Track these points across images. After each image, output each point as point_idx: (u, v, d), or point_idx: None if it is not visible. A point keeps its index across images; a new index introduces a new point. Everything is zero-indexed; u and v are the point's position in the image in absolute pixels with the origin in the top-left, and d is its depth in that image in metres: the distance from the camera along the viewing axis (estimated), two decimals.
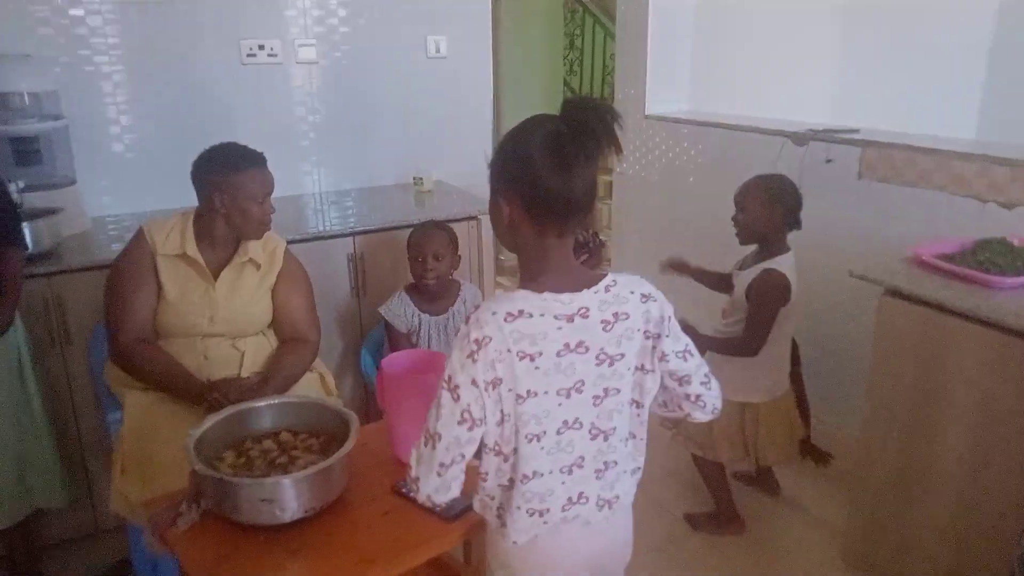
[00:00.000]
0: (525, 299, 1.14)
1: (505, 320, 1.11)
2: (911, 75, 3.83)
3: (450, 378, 1.13)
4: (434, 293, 2.53)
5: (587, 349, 1.17)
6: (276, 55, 2.95)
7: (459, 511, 1.44)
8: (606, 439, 1.23)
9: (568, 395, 1.17)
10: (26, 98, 2.43)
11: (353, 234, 2.68)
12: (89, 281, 2.28)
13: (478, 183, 3.49)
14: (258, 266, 2.09)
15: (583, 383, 1.18)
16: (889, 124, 3.05)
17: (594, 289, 1.18)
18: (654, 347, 1.23)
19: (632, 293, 1.21)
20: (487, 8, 3.33)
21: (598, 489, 1.26)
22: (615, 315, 1.18)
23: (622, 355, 1.20)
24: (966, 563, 1.95)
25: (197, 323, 2.01)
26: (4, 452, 2.05)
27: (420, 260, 2.47)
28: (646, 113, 3.74)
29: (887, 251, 2.45)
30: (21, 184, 2.36)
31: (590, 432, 1.22)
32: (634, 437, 1.29)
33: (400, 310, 2.53)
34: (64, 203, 2.45)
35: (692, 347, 1.29)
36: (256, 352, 2.08)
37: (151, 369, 1.96)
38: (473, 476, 1.23)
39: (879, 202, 2.72)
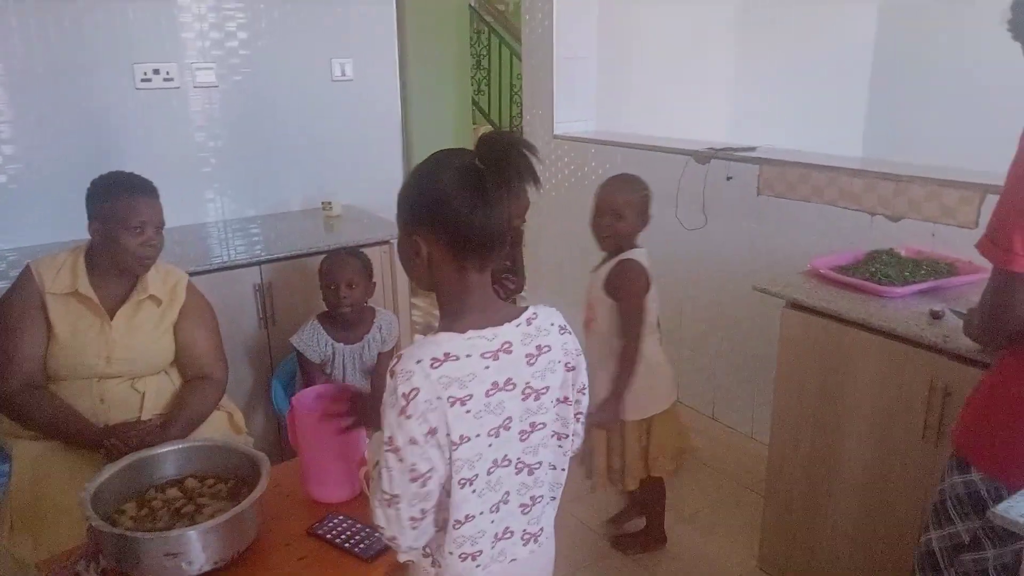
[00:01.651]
0: (449, 341, 1.11)
1: (432, 367, 1.08)
2: (801, 95, 4.04)
3: (391, 439, 1.09)
4: (348, 321, 2.48)
5: (514, 386, 1.15)
6: (172, 79, 2.84)
7: (379, 550, 1.41)
8: (531, 473, 1.22)
9: (497, 434, 1.15)
10: None
11: (260, 263, 2.59)
12: None
13: (390, 206, 3.46)
14: (159, 302, 1.99)
15: (511, 420, 1.16)
16: (783, 142, 3.20)
17: (516, 322, 1.16)
18: (573, 381, 1.23)
19: (552, 325, 1.20)
20: (392, 30, 3.31)
21: (524, 524, 1.25)
22: (538, 348, 1.17)
23: (546, 388, 1.19)
24: (873, 564, 2.04)
25: (92, 364, 1.90)
26: None
27: (333, 288, 2.42)
28: (554, 133, 3.80)
29: (787, 264, 2.56)
30: None
31: (516, 467, 1.20)
32: (554, 468, 1.28)
33: (313, 340, 2.46)
34: None
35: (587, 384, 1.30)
36: (158, 393, 1.98)
37: (41, 416, 1.84)
38: None
39: (777, 217, 2.84)
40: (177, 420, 1.91)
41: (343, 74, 3.20)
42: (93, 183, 1.93)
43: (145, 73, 2.79)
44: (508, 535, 1.23)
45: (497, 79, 6.35)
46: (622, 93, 3.90)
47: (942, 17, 4.33)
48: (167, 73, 2.83)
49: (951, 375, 1.76)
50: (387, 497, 1.11)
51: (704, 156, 3.06)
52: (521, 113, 5.72)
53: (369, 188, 3.31)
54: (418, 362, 1.08)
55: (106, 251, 1.90)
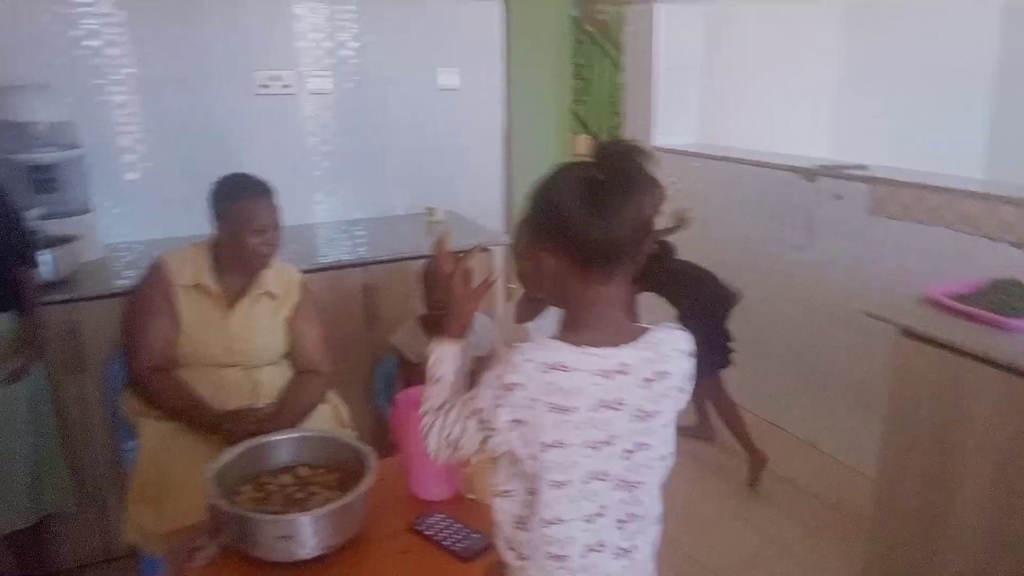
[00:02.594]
0: (564, 352, 1.11)
1: (542, 371, 1.10)
2: (916, 109, 3.86)
3: (480, 410, 1.14)
4: None
5: (623, 405, 1.14)
6: (289, 86, 2.99)
7: (478, 550, 1.44)
8: (630, 491, 1.21)
9: (597, 448, 1.15)
10: (44, 128, 2.45)
11: (365, 264, 2.69)
12: (104, 309, 2.28)
13: (489, 213, 3.54)
14: (274, 297, 2.09)
15: (615, 437, 1.16)
16: (898, 159, 3.08)
17: (637, 346, 1.15)
18: (680, 405, 1.23)
19: (675, 351, 1.19)
20: (499, 41, 3.37)
21: (618, 539, 1.23)
22: (657, 373, 1.16)
23: (659, 412, 1.18)
24: None
25: (213, 353, 2.01)
26: (18, 463, 2.06)
27: (435, 291, 2.48)
28: (655, 145, 3.78)
29: (899, 288, 2.47)
30: (39, 211, 2.39)
31: (616, 484, 1.19)
32: (654, 487, 1.26)
33: (412, 340, 2.53)
34: (79, 231, 2.47)
35: None
36: (271, 382, 2.08)
37: (167, 398, 1.96)
38: (488, 515, 1.23)
39: (889, 239, 2.73)
40: (287, 409, 2.00)
41: (449, 83, 3.28)
42: (217, 184, 2.04)
43: (264, 80, 2.94)
44: (600, 548, 1.22)
45: (597, 89, 6.35)
46: (724, 105, 3.84)
47: None
48: (285, 80, 2.97)
49: None
50: (447, 434, 1.18)
51: (812, 173, 2.98)
52: (619, 124, 5.69)
53: (470, 195, 3.37)
54: (528, 360, 1.10)
55: (229, 248, 2.02)
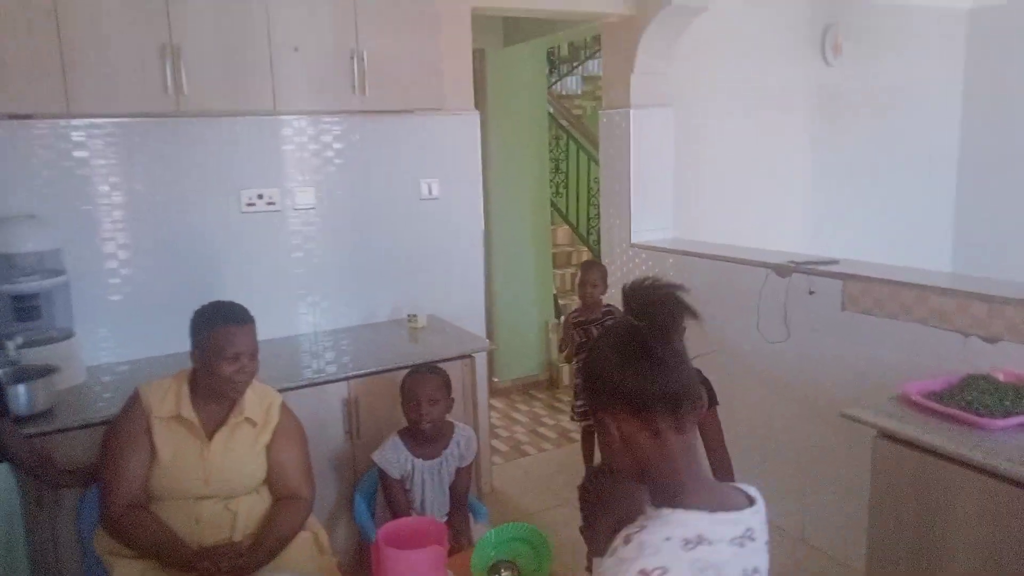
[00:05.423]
0: (698, 521, 1.02)
1: (684, 548, 1.00)
2: (883, 204, 3.99)
3: None
4: (428, 437, 2.52)
5: (758, 574, 1.10)
6: (274, 203, 3.06)
7: None
8: None
9: None
10: (30, 257, 2.49)
11: (348, 378, 2.69)
12: (82, 439, 2.26)
13: (471, 317, 3.57)
14: (254, 424, 2.09)
15: None
16: (866, 251, 3.17)
17: (754, 509, 1.10)
18: None
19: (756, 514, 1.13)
20: (476, 152, 3.48)
21: None
22: (767, 532, 1.13)
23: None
24: None
25: (191, 486, 1.99)
26: None
27: (414, 404, 2.48)
28: (632, 242, 3.86)
29: (876, 381, 2.49)
30: (19, 340, 2.40)
31: None
32: None
33: (393, 456, 2.51)
34: (61, 358, 2.47)
35: None
36: (249, 512, 2.05)
37: (141, 537, 1.93)
38: None
39: (864, 333, 2.77)
40: (266, 541, 1.97)
41: (430, 193, 3.37)
42: (195, 314, 2.06)
43: (250, 198, 3.01)
44: None
45: (575, 181, 6.53)
46: (699, 202, 3.96)
47: None
48: (270, 197, 3.04)
49: None
50: None
51: (785, 269, 3.04)
52: (599, 215, 5.81)
53: (452, 299, 3.41)
54: (667, 539, 1.00)
55: (204, 377, 2.02)
